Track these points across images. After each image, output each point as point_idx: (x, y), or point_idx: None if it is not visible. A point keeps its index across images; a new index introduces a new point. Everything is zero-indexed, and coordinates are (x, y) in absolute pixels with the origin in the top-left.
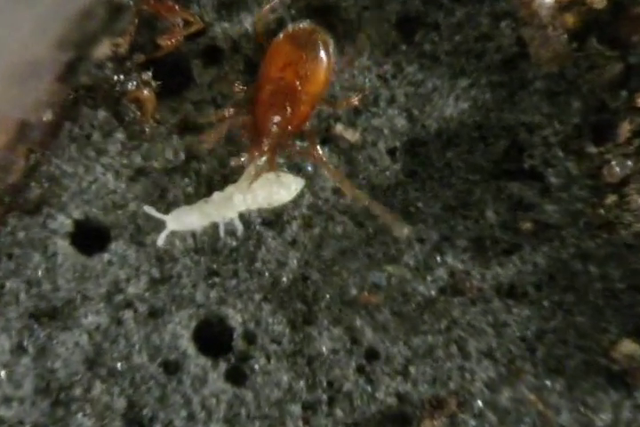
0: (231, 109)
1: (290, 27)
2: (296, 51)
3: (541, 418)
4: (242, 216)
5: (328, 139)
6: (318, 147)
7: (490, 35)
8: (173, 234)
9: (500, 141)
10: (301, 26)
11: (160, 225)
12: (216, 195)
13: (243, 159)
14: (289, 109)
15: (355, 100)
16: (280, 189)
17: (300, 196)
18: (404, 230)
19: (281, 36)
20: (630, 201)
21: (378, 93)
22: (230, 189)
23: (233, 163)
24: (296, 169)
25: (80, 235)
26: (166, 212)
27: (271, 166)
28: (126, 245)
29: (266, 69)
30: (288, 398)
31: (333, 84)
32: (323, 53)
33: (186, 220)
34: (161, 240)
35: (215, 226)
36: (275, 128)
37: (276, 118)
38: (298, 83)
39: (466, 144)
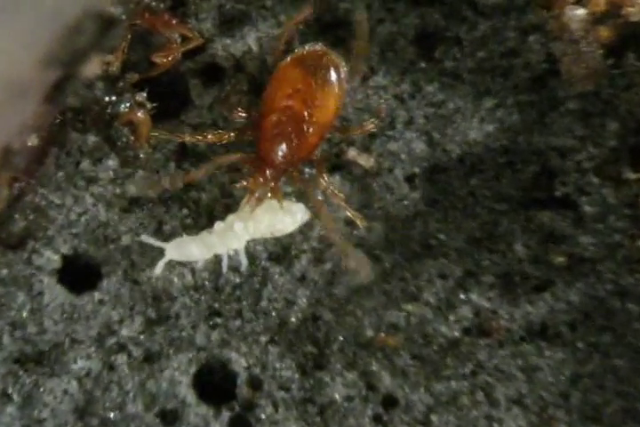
0: (231, 134)
1: (298, 49)
2: (305, 76)
3: None
4: (246, 250)
5: (340, 165)
6: (325, 176)
7: (517, 50)
8: (171, 271)
9: (530, 167)
10: (311, 48)
11: (156, 259)
12: (217, 225)
13: (245, 183)
14: (295, 141)
15: (370, 127)
16: (285, 216)
17: (310, 228)
18: (368, 276)
19: (288, 59)
20: None
21: (395, 115)
22: (231, 217)
23: (237, 186)
24: (304, 199)
25: (68, 272)
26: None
27: (276, 196)
28: (119, 283)
29: (271, 96)
30: None
31: (346, 105)
32: (334, 79)
33: (186, 249)
34: (158, 269)
35: (217, 261)
36: (279, 159)
37: (282, 149)
38: (306, 113)
39: (491, 170)
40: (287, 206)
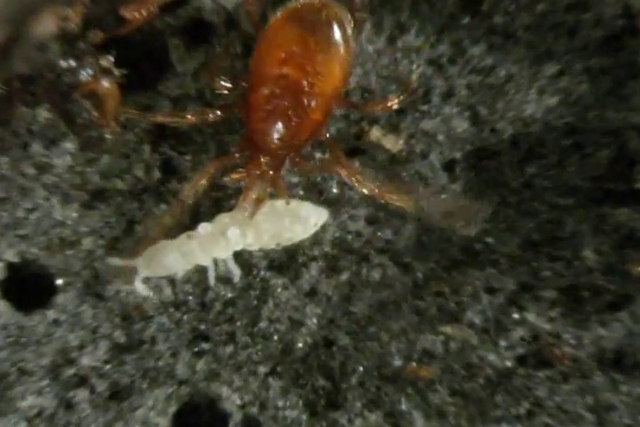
0: (217, 113)
1: (292, 2)
2: (301, 36)
3: None
4: (239, 256)
5: (360, 149)
6: (343, 159)
7: (586, 2)
8: (144, 282)
9: (602, 152)
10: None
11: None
12: (203, 228)
13: (237, 176)
14: (294, 118)
15: (395, 102)
16: (294, 223)
17: (322, 228)
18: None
19: (279, 15)
20: None
21: (430, 85)
22: (224, 219)
23: (227, 180)
24: (315, 191)
25: (15, 284)
26: (134, 252)
27: (278, 190)
28: (79, 299)
29: (260, 63)
30: None
31: (368, 73)
32: (338, 38)
33: (162, 262)
34: (141, 289)
35: (202, 270)
36: (276, 142)
37: (277, 130)
38: (305, 82)
39: (554, 155)
40: (296, 208)
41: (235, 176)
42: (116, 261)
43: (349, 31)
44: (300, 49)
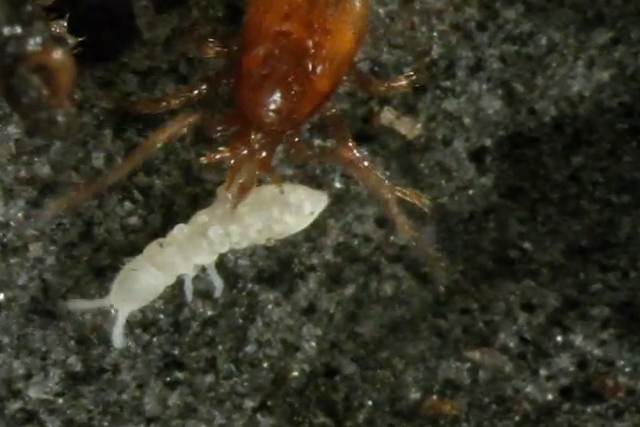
0: (203, 86)
1: None
2: None
3: None
4: (221, 264)
5: (369, 135)
6: (350, 143)
7: None
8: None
9: None
10: None
11: (82, 280)
12: (179, 230)
13: (220, 156)
14: (295, 86)
15: (408, 81)
16: (284, 213)
17: (321, 231)
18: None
19: None
20: None
21: (455, 56)
22: (202, 217)
23: (205, 160)
24: (314, 186)
25: None
26: (93, 260)
27: (270, 176)
28: (25, 318)
29: (255, 18)
30: None
31: (379, 41)
32: None
33: (138, 287)
34: (118, 341)
35: (177, 282)
36: (271, 116)
37: (273, 101)
38: (310, 42)
39: (606, 142)
40: (289, 195)
41: (216, 155)
42: (81, 303)
43: None
44: (307, 1)
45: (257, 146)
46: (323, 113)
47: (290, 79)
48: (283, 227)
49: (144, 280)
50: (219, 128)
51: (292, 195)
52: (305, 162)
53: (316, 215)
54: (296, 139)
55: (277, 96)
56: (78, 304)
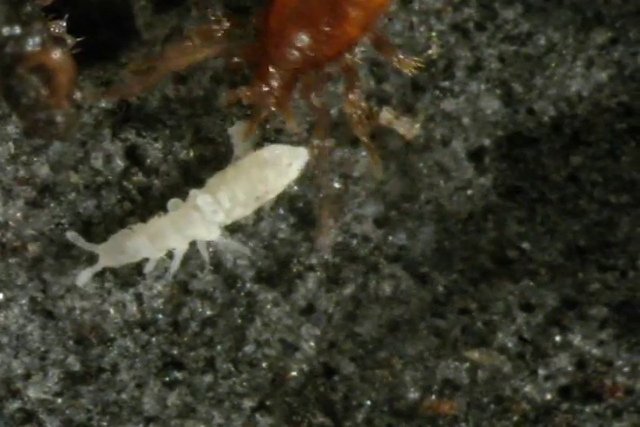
0: (226, 22)
1: None
2: None
3: None
4: (220, 265)
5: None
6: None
7: None
8: (104, 297)
9: None
10: None
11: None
12: (173, 204)
13: (239, 92)
14: (325, 27)
15: (414, 64)
16: (263, 169)
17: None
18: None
19: None
20: None
21: (453, 56)
22: (193, 191)
23: (226, 98)
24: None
25: None
26: (93, 260)
27: (285, 114)
28: (24, 317)
29: None
30: None
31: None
32: None
33: (128, 249)
34: (83, 278)
35: (179, 283)
36: (294, 53)
37: (300, 37)
38: None
39: (605, 142)
40: (262, 151)
41: (236, 92)
42: (77, 238)
43: None
44: None
45: (275, 84)
46: (342, 62)
47: (321, 19)
48: (266, 184)
49: (134, 245)
50: (240, 61)
51: (265, 151)
52: (315, 108)
53: (297, 169)
54: (311, 82)
55: (305, 34)
56: (75, 238)
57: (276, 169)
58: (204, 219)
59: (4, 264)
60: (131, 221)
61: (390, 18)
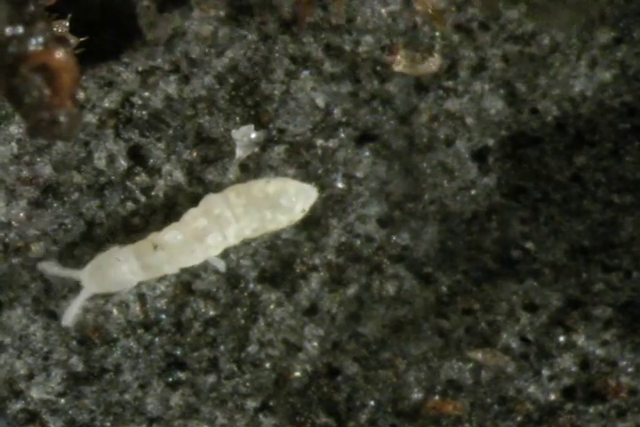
0: None
1: None
2: None
3: None
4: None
5: (372, 134)
6: None
7: None
8: (107, 298)
9: None
10: None
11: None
12: (172, 237)
13: None
14: None
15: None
16: (276, 213)
17: (323, 231)
18: None
19: None
20: None
21: (456, 56)
22: (199, 220)
23: None
24: (316, 186)
25: None
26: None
27: None
28: (27, 318)
29: None
30: None
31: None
32: None
33: (112, 275)
34: (68, 317)
35: (183, 283)
36: None
37: None
38: None
39: (608, 142)
40: (277, 196)
41: None
42: (54, 268)
43: None
44: None
45: None
46: None
47: None
48: (276, 225)
49: (121, 272)
50: None
51: (283, 197)
52: None
53: (307, 210)
54: None
55: None
56: (51, 268)
57: (290, 215)
58: (204, 253)
59: (6, 264)
60: (134, 222)
61: (394, 18)
